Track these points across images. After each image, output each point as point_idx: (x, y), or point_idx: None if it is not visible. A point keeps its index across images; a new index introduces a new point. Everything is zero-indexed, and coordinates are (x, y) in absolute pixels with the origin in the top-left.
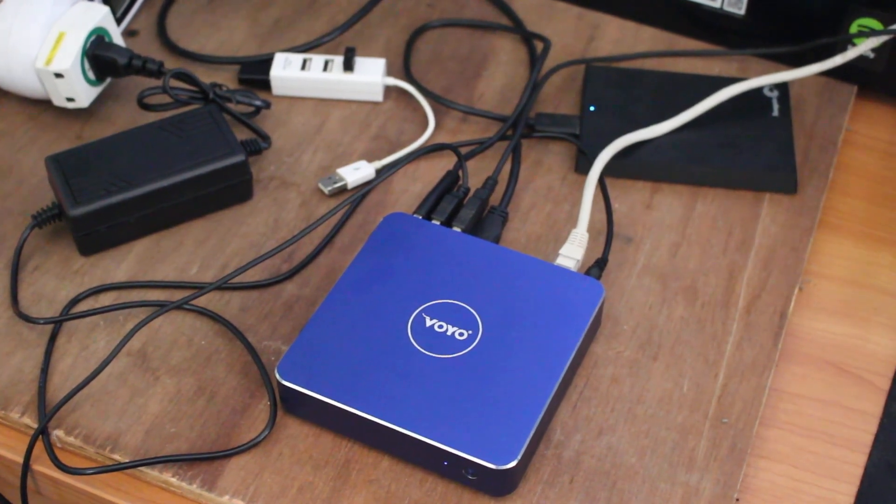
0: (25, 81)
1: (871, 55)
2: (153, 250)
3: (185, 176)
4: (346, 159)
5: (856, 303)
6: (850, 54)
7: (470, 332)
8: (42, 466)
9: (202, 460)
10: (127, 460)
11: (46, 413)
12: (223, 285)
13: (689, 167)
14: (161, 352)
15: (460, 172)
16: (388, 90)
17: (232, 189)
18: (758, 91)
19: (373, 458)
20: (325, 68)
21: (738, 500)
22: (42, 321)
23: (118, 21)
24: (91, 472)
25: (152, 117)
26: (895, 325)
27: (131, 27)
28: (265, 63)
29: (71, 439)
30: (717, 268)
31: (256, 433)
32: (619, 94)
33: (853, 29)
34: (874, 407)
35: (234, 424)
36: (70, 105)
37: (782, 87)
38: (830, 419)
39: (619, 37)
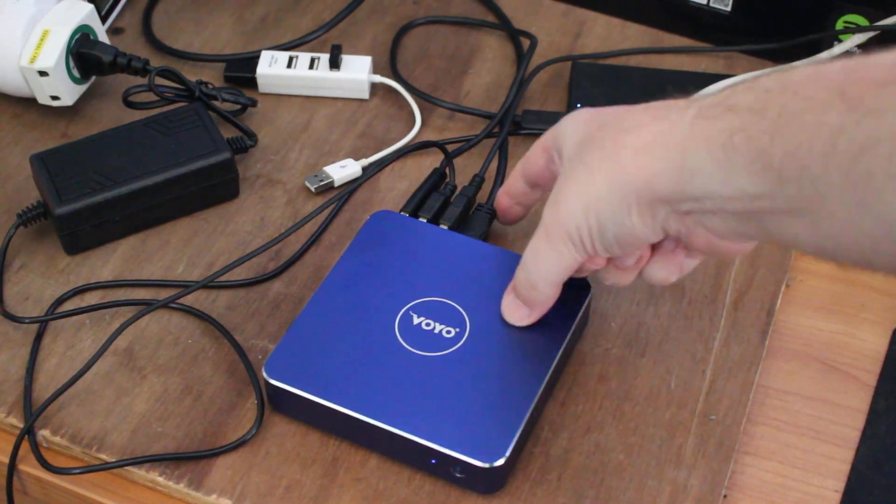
0: (9, 80)
1: (857, 51)
2: (139, 249)
3: (170, 174)
4: (333, 157)
5: (842, 299)
6: (836, 50)
7: (457, 329)
8: (28, 466)
9: (189, 459)
10: (113, 460)
11: (32, 413)
12: (210, 284)
13: None
14: (147, 351)
15: (447, 170)
16: (375, 88)
17: (218, 187)
18: None
19: (360, 456)
20: (311, 66)
21: (725, 496)
22: (28, 320)
23: (103, 19)
24: (77, 471)
25: (138, 115)
26: (882, 321)
27: (116, 25)
28: (251, 61)
29: (57, 439)
30: (703, 265)
31: (244, 432)
32: (606, 90)
33: (839, 25)
34: (861, 403)
35: (222, 423)
36: (55, 103)
37: None
38: (818, 415)
39: (606, 34)
